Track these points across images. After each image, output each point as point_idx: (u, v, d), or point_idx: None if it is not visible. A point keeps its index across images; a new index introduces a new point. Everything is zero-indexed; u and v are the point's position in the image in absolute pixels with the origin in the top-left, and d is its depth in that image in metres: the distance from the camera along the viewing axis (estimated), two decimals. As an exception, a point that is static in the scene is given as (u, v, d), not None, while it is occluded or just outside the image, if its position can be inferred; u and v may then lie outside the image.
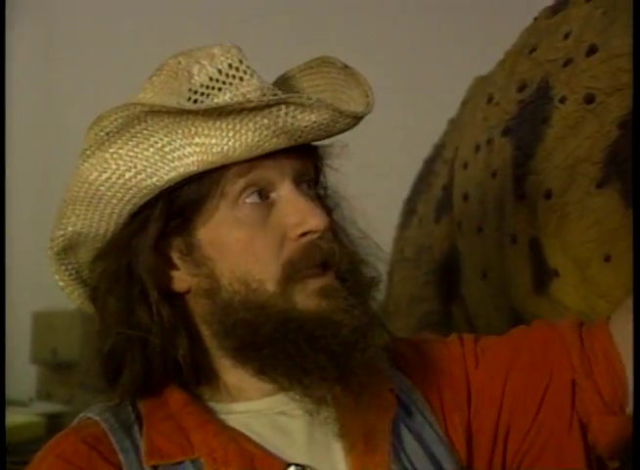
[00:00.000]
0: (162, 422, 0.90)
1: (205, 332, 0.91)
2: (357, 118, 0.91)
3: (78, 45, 3.79)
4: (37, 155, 4.09)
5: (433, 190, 1.61)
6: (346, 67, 0.94)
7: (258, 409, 0.91)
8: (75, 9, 3.83)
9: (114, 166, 0.87)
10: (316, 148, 0.94)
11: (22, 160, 3.89)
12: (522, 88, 1.26)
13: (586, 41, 1.14)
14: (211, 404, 0.92)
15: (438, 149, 1.70)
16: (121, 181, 0.87)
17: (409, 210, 1.78)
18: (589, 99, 1.11)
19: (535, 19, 1.33)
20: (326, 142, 0.94)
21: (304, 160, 0.92)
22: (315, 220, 0.88)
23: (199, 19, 3.19)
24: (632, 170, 0.88)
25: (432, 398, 0.96)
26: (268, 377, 0.89)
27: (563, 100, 1.16)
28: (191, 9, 3.33)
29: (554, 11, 1.28)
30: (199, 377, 0.92)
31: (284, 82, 0.96)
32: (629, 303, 0.94)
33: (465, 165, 1.40)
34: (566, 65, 1.17)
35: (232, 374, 0.91)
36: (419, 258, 1.65)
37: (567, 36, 1.19)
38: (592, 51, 1.13)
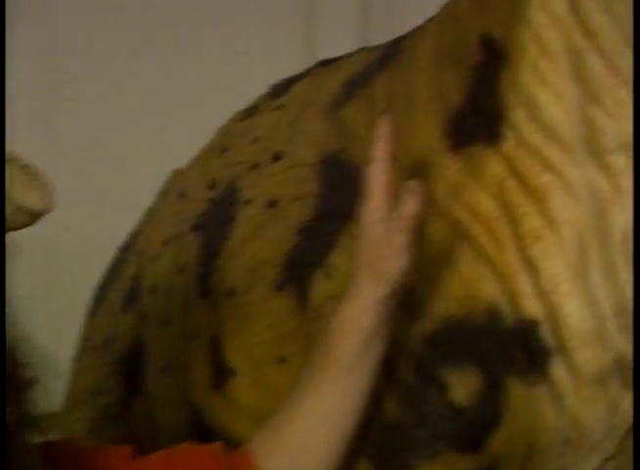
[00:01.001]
0: None
1: None
2: (34, 216, 0.89)
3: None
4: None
5: (123, 279, 1.59)
6: (27, 166, 0.92)
7: None
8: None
9: None
10: None
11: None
12: (212, 187, 1.29)
13: (272, 148, 1.20)
14: None
15: (133, 237, 1.68)
16: None
17: (100, 296, 1.74)
18: (272, 203, 1.16)
19: (229, 120, 1.38)
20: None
21: None
22: None
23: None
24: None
25: None
26: None
27: (248, 202, 1.20)
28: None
29: (247, 114, 1.34)
30: None
31: None
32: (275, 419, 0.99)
33: (154, 258, 1.40)
34: (253, 168, 1.21)
35: None
36: (105, 346, 1.61)
37: (255, 141, 1.24)
38: (277, 158, 1.18)
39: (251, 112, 1.31)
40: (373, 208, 0.98)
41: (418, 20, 1.17)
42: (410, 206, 0.95)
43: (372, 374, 0.99)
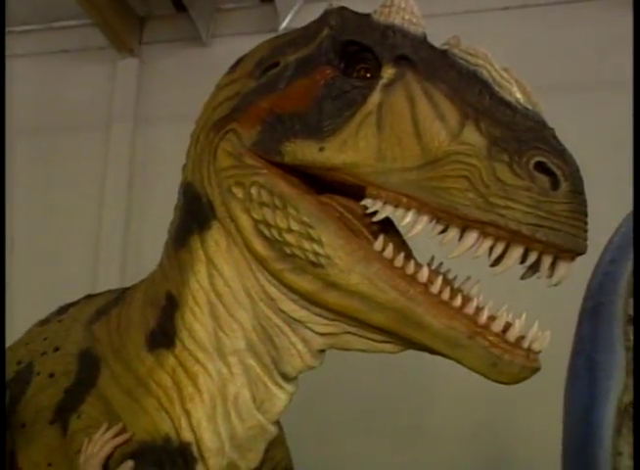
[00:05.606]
0: None
1: None
2: None
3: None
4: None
5: None
6: None
7: None
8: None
9: None
10: None
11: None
12: (19, 363, 2.17)
13: (54, 344, 2.12)
14: None
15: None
16: None
17: None
18: (51, 375, 2.05)
19: (32, 325, 2.29)
20: None
21: None
22: None
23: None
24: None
25: None
26: None
27: (38, 373, 2.09)
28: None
29: (42, 323, 2.30)
30: None
31: None
32: None
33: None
34: (42, 355, 2.11)
35: None
36: None
37: (45, 339, 2.17)
38: (56, 349, 2.09)
39: (44, 322, 2.23)
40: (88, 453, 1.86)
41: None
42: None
43: None
